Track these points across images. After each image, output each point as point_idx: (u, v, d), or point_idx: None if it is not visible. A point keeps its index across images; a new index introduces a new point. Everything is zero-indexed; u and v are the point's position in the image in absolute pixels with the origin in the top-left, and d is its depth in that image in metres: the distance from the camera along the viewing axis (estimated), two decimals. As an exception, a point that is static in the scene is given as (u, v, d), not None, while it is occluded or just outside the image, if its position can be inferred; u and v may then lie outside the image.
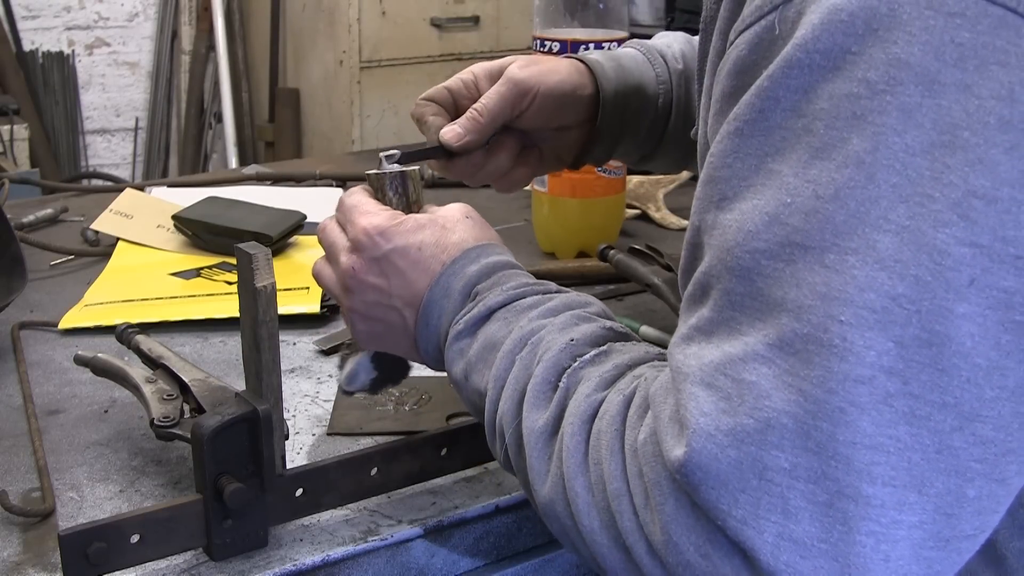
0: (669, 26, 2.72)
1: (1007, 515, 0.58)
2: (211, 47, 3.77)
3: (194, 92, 3.83)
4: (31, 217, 1.46)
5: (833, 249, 0.54)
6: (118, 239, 1.38)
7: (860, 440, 0.53)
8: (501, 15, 3.55)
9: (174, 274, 1.29)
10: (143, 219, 1.42)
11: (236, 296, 0.87)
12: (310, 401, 1.01)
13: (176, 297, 1.23)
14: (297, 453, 0.92)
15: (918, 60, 0.54)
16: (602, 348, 0.71)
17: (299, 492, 0.80)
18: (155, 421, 0.83)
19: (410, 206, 0.87)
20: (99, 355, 0.95)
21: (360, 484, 0.83)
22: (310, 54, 3.55)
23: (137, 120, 3.88)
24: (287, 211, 1.40)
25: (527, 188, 1.54)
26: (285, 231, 1.35)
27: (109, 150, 3.86)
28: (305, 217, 1.39)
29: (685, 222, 1.45)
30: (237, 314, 0.78)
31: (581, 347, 0.71)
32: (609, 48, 1.18)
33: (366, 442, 0.94)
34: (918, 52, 0.54)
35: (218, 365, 1.08)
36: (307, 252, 1.36)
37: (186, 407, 0.86)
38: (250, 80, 3.79)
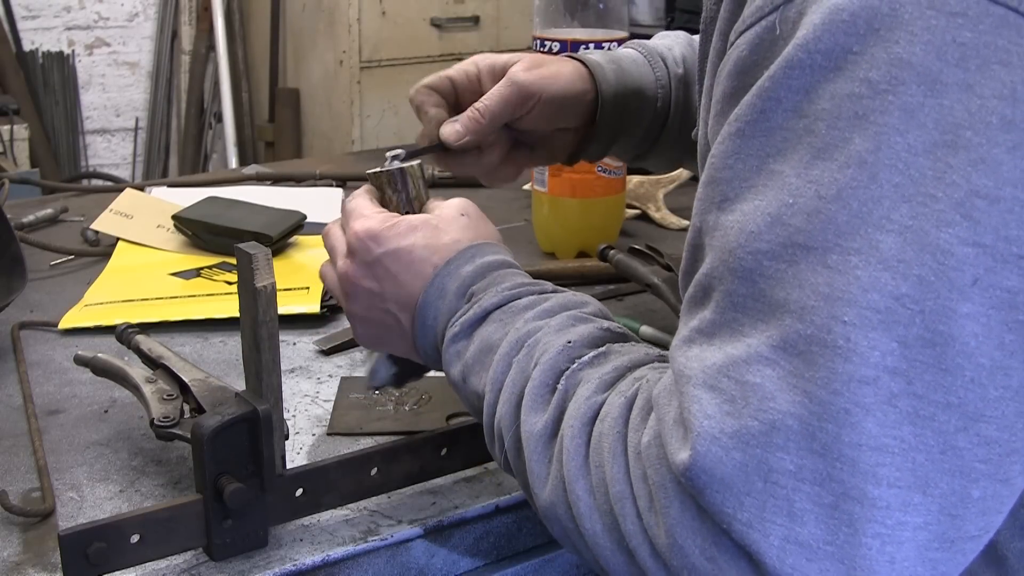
0: (669, 26, 2.72)
1: (1008, 516, 0.58)
2: (211, 47, 3.77)
3: (194, 92, 3.83)
4: (31, 217, 1.46)
5: (836, 249, 0.54)
6: (118, 239, 1.38)
7: (865, 441, 0.53)
8: (501, 15, 3.55)
9: (174, 274, 1.29)
10: (143, 219, 1.42)
11: (236, 296, 0.87)
12: (310, 401, 1.01)
13: (176, 297, 1.23)
14: (297, 453, 0.92)
15: (920, 60, 0.53)
16: (600, 350, 0.71)
17: (299, 492, 0.80)
18: (155, 421, 0.83)
19: (411, 203, 0.87)
20: (99, 355, 0.95)
21: (360, 484, 0.83)
22: (310, 54, 3.55)
23: (137, 120, 3.87)
24: (287, 211, 1.40)
25: (527, 188, 1.54)
26: (285, 231, 1.35)
27: (109, 150, 3.86)
28: (305, 217, 1.39)
29: (685, 222, 1.45)
30: (237, 314, 0.78)
31: (579, 349, 0.71)
32: (609, 48, 1.18)
33: (366, 442, 0.93)
34: (920, 52, 0.54)
35: (218, 365, 1.08)
36: (307, 252, 1.36)
37: (186, 407, 0.85)
38: (250, 80, 3.79)
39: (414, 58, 3.41)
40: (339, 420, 0.97)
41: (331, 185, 1.65)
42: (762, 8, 0.60)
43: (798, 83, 0.56)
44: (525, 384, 0.71)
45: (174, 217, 1.37)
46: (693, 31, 0.99)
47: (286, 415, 0.89)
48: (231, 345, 1.12)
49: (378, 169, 0.88)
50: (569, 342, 0.71)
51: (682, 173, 1.51)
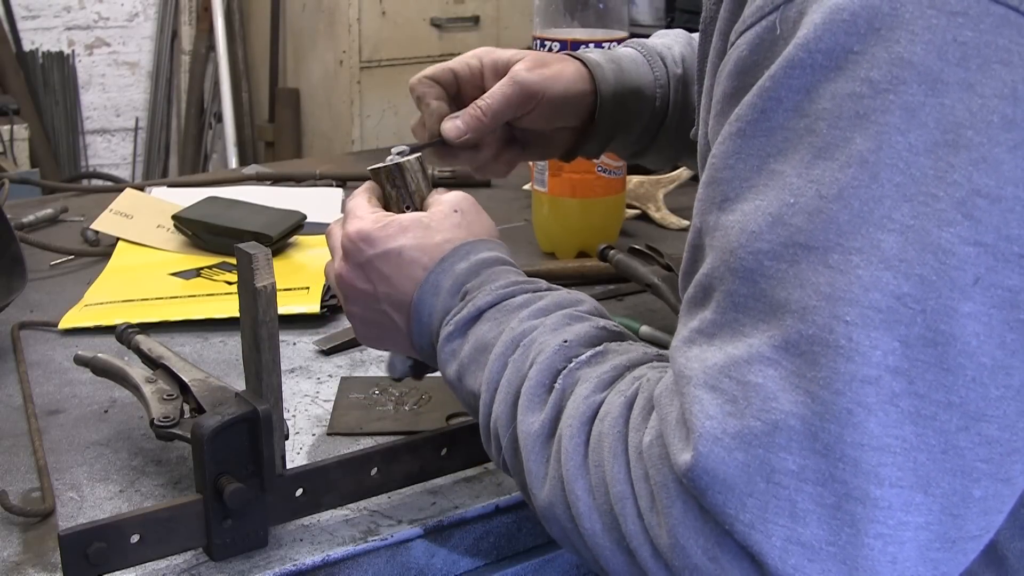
0: (669, 26, 2.72)
1: (1009, 516, 0.58)
2: (211, 47, 3.77)
3: (194, 92, 3.83)
4: (31, 217, 1.46)
5: (837, 249, 0.54)
6: (118, 239, 1.38)
7: (867, 441, 0.53)
8: (501, 15, 3.55)
9: (174, 274, 1.29)
10: (143, 219, 1.42)
11: (236, 296, 0.87)
12: (310, 401, 1.01)
13: (176, 297, 1.23)
14: (297, 453, 0.92)
15: (921, 59, 0.53)
16: (598, 349, 0.71)
17: (299, 492, 0.80)
18: (155, 421, 0.83)
19: (412, 197, 0.87)
20: (99, 355, 0.95)
21: (360, 484, 0.83)
22: (310, 54, 3.55)
23: (137, 120, 3.88)
24: (287, 211, 1.40)
25: (527, 188, 1.54)
26: (285, 231, 1.35)
27: (109, 150, 3.86)
28: (305, 217, 1.39)
29: (685, 222, 1.45)
30: (237, 314, 0.78)
31: (576, 348, 0.71)
32: (609, 48, 1.18)
33: (366, 442, 0.93)
34: (921, 51, 0.53)
35: (218, 365, 1.08)
36: (307, 252, 1.36)
37: (186, 407, 0.85)
38: (250, 80, 3.79)
39: (414, 58, 3.41)
40: (339, 420, 0.97)
41: (331, 185, 1.65)
42: (762, 8, 0.59)
43: (799, 83, 0.56)
44: (521, 383, 0.71)
45: (174, 217, 1.37)
46: (693, 30, 0.99)
47: (286, 415, 0.89)
48: (231, 345, 1.12)
49: (376, 166, 0.88)
50: (565, 341, 0.71)
51: (682, 173, 1.51)
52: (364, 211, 0.85)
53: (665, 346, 0.67)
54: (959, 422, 0.54)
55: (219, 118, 3.76)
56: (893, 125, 0.54)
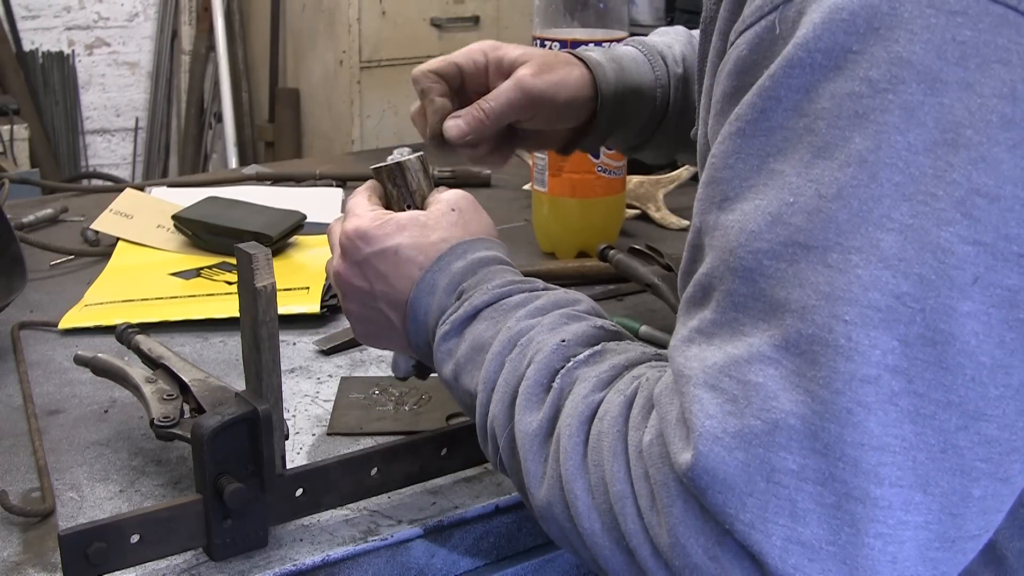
0: (669, 25, 2.71)
1: (1007, 515, 0.58)
2: (211, 47, 3.77)
3: (194, 92, 3.83)
4: (31, 217, 1.46)
5: (836, 248, 0.54)
6: (118, 239, 1.38)
7: (867, 441, 0.53)
8: (501, 15, 3.55)
9: (174, 274, 1.29)
10: (143, 219, 1.42)
11: (236, 296, 0.87)
12: (310, 401, 1.01)
13: (176, 297, 1.23)
14: (297, 453, 0.92)
15: (920, 58, 0.53)
16: (596, 348, 0.71)
17: (299, 492, 0.80)
18: (155, 421, 0.83)
19: (412, 196, 0.87)
20: (99, 355, 0.95)
21: (360, 484, 0.83)
22: (310, 54, 3.55)
23: (137, 120, 3.88)
24: (287, 211, 1.40)
25: (527, 188, 1.54)
26: (285, 231, 1.35)
27: (109, 150, 3.86)
28: (305, 217, 1.39)
29: (685, 222, 1.45)
30: (237, 314, 0.78)
31: (573, 347, 0.71)
32: (609, 46, 1.18)
33: (366, 442, 0.93)
34: (920, 50, 0.53)
35: (218, 365, 1.08)
36: (307, 252, 1.36)
37: (186, 407, 0.85)
38: (250, 80, 3.79)
39: (414, 58, 3.41)
40: (339, 420, 0.97)
41: (331, 185, 1.65)
42: (762, 7, 0.59)
43: (798, 82, 0.56)
44: (519, 383, 0.71)
45: (174, 217, 1.37)
46: (693, 27, 0.99)
47: (286, 415, 0.89)
48: (231, 345, 1.12)
49: (378, 165, 0.88)
50: (563, 340, 0.71)
51: (682, 173, 1.51)
52: (363, 209, 0.85)
53: (665, 346, 0.67)
54: (958, 421, 0.54)
55: (219, 118, 3.76)
56: (892, 124, 0.54)
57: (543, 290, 0.78)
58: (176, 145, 3.92)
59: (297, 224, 1.37)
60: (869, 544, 0.54)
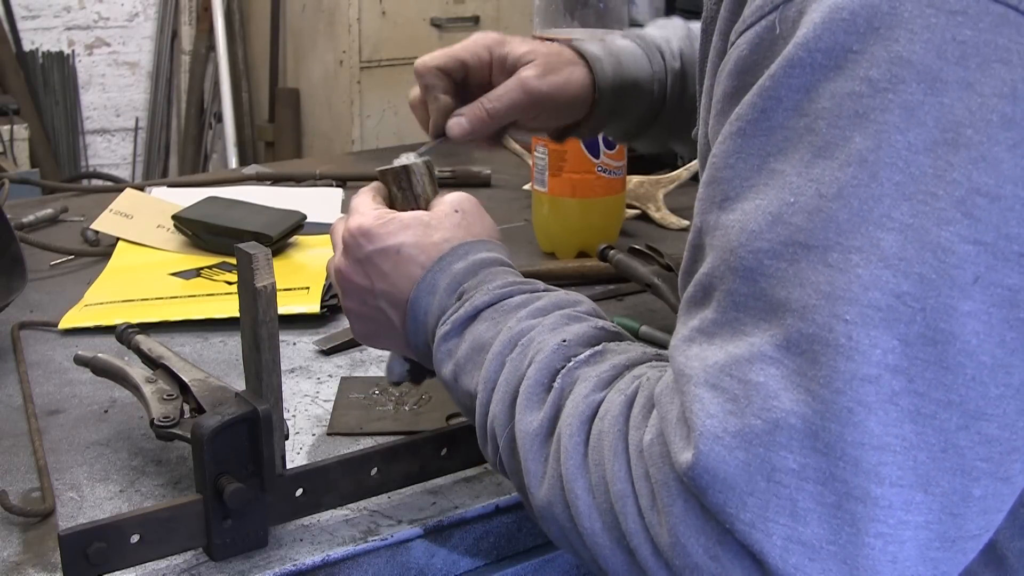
0: (669, 24, 2.71)
1: (1008, 515, 0.58)
2: (211, 47, 3.77)
3: (194, 92, 3.83)
4: (31, 217, 1.46)
5: (837, 248, 0.54)
6: (118, 239, 1.38)
7: (868, 440, 0.53)
8: (501, 15, 3.55)
9: (174, 274, 1.29)
10: (143, 219, 1.42)
11: (236, 296, 0.87)
12: (310, 401, 1.01)
13: (176, 297, 1.23)
14: (297, 453, 0.92)
15: (920, 58, 0.53)
16: (597, 348, 0.71)
17: (299, 492, 0.80)
18: (155, 421, 0.83)
19: (417, 200, 0.87)
20: (99, 355, 0.95)
21: (360, 484, 0.83)
22: (310, 54, 3.55)
23: (137, 120, 3.87)
24: (287, 211, 1.40)
25: (527, 188, 1.54)
26: (285, 231, 1.35)
27: (109, 150, 3.86)
28: (305, 217, 1.38)
29: (685, 222, 1.45)
30: (237, 314, 0.78)
31: (574, 348, 0.71)
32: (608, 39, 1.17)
33: (366, 442, 0.93)
34: (920, 50, 0.54)
35: (218, 365, 1.08)
36: (307, 252, 1.36)
37: (186, 407, 0.85)
38: (250, 80, 3.79)
39: (414, 58, 3.36)
40: (339, 420, 0.97)
41: (331, 185, 1.65)
42: (762, 7, 0.59)
43: (799, 82, 0.56)
44: (519, 383, 0.71)
45: (174, 217, 1.37)
46: (692, 16, 0.99)
47: (286, 415, 0.89)
48: (231, 345, 1.12)
49: (384, 167, 0.88)
50: (564, 340, 0.71)
51: (682, 173, 1.51)
52: (367, 208, 0.85)
53: (665, 346, 0.67)
54: (959, 421, 0.54)
55: (219, 118, 3.76)
56: (892, 124, 0.54)
57: (544, 291, 0.78)
58: (176, 145, 3.92)
59: (297, 224, 1.37)
60: (869, 544, 0.54)
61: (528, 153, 1.51)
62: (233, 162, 3.67)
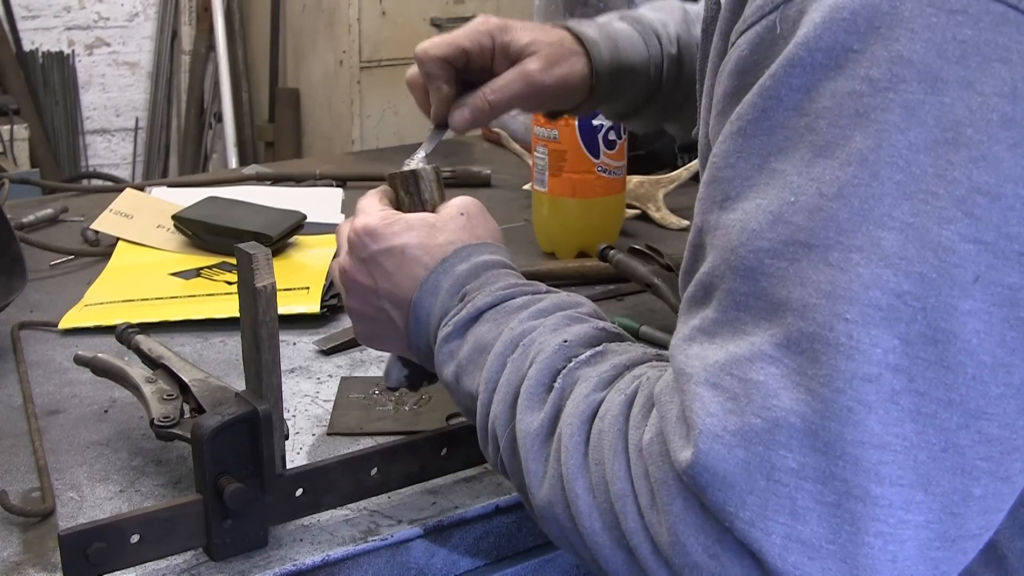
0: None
1: (1008, 515, 0.58)
2: (211, 47, 3.77)
3: (194, 92, 3.83)
4: (31, 217, 1.46)
5: (837, 247, 0.54)
6: (118, 239, 1.38)
7: (868, 440, 0.53)
8: (501, 15, 3.54)
9: (174, 274, 1.29)
10: (143, 219, 1.42)
11: (236, 296, 0.87)
12: (310, 401, 1.01)
13: (176, 297, 1.23)
14: (297, 453, 0.92)
15: (920, 57, 0.53)
16: (597, 349, 0.71)
17: (299, 492, 0.80)
18: (155, 421, 0.83)
19: (424, 206, 0.87)
20: (99, 355, 0.95)
21: (360, 484, 0.83)
22: (310, 54, 3.55)
23: (137, 120, 3.87)
24: (287, 211, 1.40)
25: (527, 188, 1.54)
26: (285, 231, 1.35)
27: (109, 150, 3.86)
28: (305, 217, 1.38)
29: (685, 222, 1.45)
30: (237, 314, 0.78)
31: (575, 348, 0.71)
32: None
33: (366, 442, 0.93)
34: (920, 49, 0.54)
35: (218, 365, 1.08)
36: (307, 252, 1.36)
37: (186, 407, 0.85)
38: (250, 80, 3.79)
39: (414, 58, 3.41)
40: (339, 420, 0.97)
41: (331, 185, 1.65)
42: (763, 7, 0.59)
43: (799, 81, 0.56)
44: (521, 383, 0.71)
45: (174, 217, 1.37)
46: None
47: (286, 415, 0.89)
48: (231, 345, 1.12)
49: (394, 171, 0.89)
50: (565, 341, 0.71)
51: (682, 173, 1.51)
52: (373, 208, 0.86)
53: (665, 346, 0.67)
54: (959, 420, 0.54)
55: (219, 118, 3.76)
56: (893, 123, 0.54)
57: (546, 293, 0.78)
58: (176, 145, 3.92)
59: (297, 224, 1.37)
60: (869, 543, 0.54)
61: (528, 153, 1.51)
62: (233, 162, 3.67)
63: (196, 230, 1.36)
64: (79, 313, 1.18)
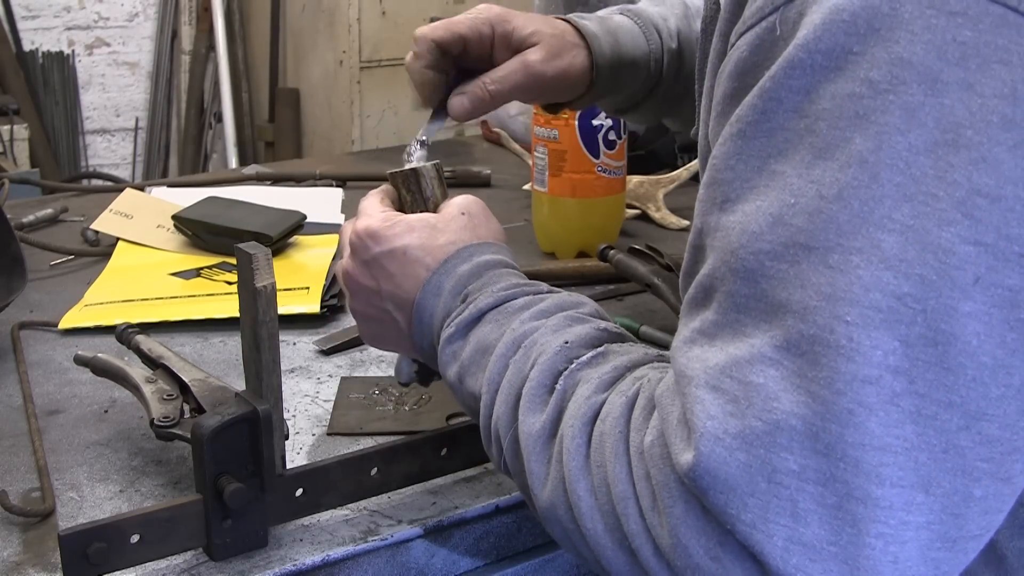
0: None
1: (1008, 515, 0.58)
2: (211, 47, 3.77)
3: (194, 92, 3.83)
4: (31, 217, 1.46)
5: (837, 249, 0.54)
6: (118, 239, 1.38)
7: (868, 441, 0.53)
8: (501, 14, 3.54)
9: (174, 274, 1.29)
10: (143, 219, 1.42)
11: (236, 296, 0.87)
12: (310, 401, 1.01)
13: (176, 297, 1.23)
14: (297, 453, 0.92)
15: (920, 59, 0.54)
16: (599, 350, 0.71)
17: (299, 492, 0.80)
18: (155, 421, 0.83)
19: (426, 203, 0.87)
20: (99, 355, 0.95)
21: (360, 484, 0.83)
22: (310, 54, 3.55)
23: (137, 120, 3.87)
24: (287, 211, 1.40)
25: (527, 188, 1.54)
26: (285, 231, 1.35)
27: (109, 150, 3.86)
28: (305, 217, 1.38)
29: (685, 222, 1.45)
30: (237, 314, 0.78)
31: (577, 349, 0.71)
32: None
33: (366, 442, 0.93)
34: (920, 51, 0.54)
35: (218, 365, 1.08)
36: (307, 252, 1.36)
37: (186, 407, 0.85)
38: (250, 80, 3.79)
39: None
40: (339, 420, 0.97)
41: (331, 185, 1.65)
42: (762, 9, 0.59)
43: (799, 83, 0.56)
44: (522, 384, 0.71)
45: (174, 217, 1.37)
46: None
47: (286, 415, 0.89)
48: (231, 345, 1.12)
49: (394, 170, 0.89)
50: (567, 342, 0.71)
51: (682, 173, 1.51)
52: (374, 209, 0.85)
53: (665, 346, 0.67)
54: (960, 421, 0.54)
55: (219, 118, 3.76)
56: (893, 125, 0.54)
57: (547, 293, 0.78)
58: (176, 145, 3.92)
59: (297, 224, 1.37)
60: (871, 544, 0.54)
61: (528, 153, 1.51)
62: (233, 162, 3.67)
63: (196, 230, 1.36)
64: (79, 313, 1.18)
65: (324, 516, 0.84)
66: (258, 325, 0.75)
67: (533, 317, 0.74)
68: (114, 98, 3.83)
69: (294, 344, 1.13)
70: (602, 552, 0.63)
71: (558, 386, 0.69)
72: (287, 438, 0.83)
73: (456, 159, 1.75)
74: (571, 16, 1.03)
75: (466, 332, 0.77)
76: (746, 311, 0.57)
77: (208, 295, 1.23)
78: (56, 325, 1.15)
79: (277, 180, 1.68)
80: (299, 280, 1.25)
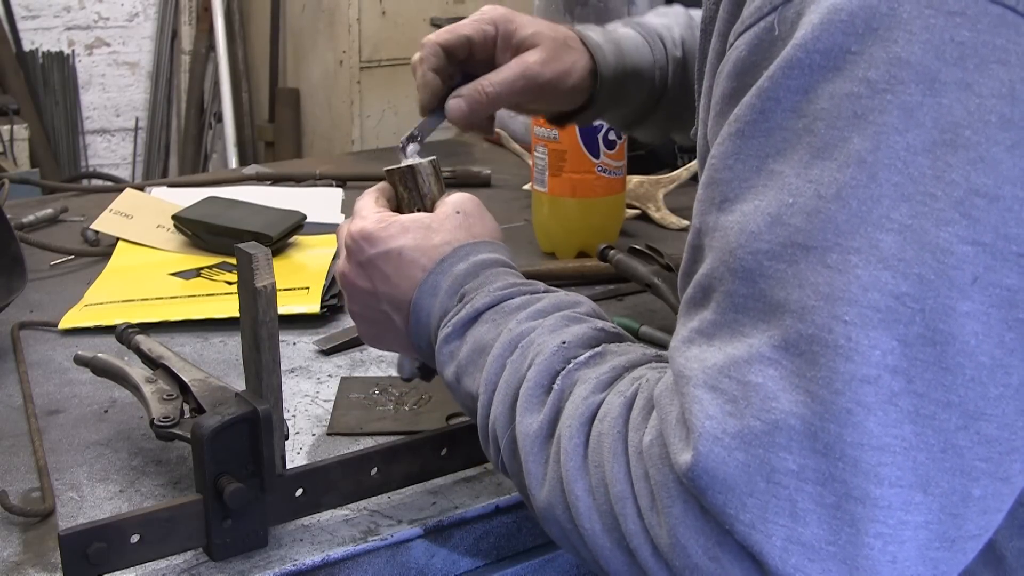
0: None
1: (1007, 515, 0.58)
2: (211, 47, 3.77)
3: (194, 92, 3.83)
4: (31, 217, 1.46)
5: (835, 249, 0.54)
6: (118, 239, 1.38)
7: (867, 441, 0.53)
8: (502, 15, 3.54)
9: (174, 274, 1.29)
10: (143, 219, 1.42)
11: (236, 296, 0.87)
12: (310, 401, 1.01)
13: (176, 297, 1.23)
14: (297, 453, 0.92)
15: (919, 59, 0.54)
16: (596, 350, 0.71)
17: (299, 492, 0.80)
18: (155, 421, 0.83)
19: (423, 200, 0.87)
20: (99, 355, 0.95)
21: (360, 484, 0.83)
22: (310, 54, 3.55)
23: (137, 120, 3.87)
24: (287, 211, 1.40)
25: (527, 188, 1.54)
26: (285, 231, 1.35)
27: (109, 150, 3.86)
28: (305, 217, 1.39)
29: (685, 222, 1.45)
30: (237, 314, 0.78)
31: (574, 349, 0.71)
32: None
33: (366, 442, 0.93)
34: (919, 51, 0.54)
35: (218, 365, 1.08)
36: (307, 252, 1.36)
37: (186, 407, 0.86)
38: (250, 80, 3.79)
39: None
40: (339, 420, 0.97)
41: (331, 185, 1.65)
42: (761, 9, 0.60)
43: (797, 83, 0.56)
44: (520, 385, 0.71)
45: (174, 217, 1.37)
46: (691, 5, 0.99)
47: (286, 415, 0.89)
48: (231, 345, 1.12)
49: (390, 167, 0.88)
50: (564, 342, 0.71)
51: (682, 173, 1.51)
52: (369, 211, 0.85)
53: (665, 346, 0.67)
54: (958, 421, 0.54)
55: (219, 118, 3.76)
56: (891, 125, 0.54)
57: (544, 292, 0.78)
58: (176, 145, 3.92)
59: (297, 224, 1.37)
60: (869, 544, 0.54)
61: (528, 153, 1.51)
62: (233, 162, 3.67)
63: (196, 230, 1.36)
64: (79, 313, 1.18)
65: (324, 516, 0.84)
66: (258, 325, 0.76)
67: (530, 317, 0.74)
68: (114, 98, 3.83)
69: (294, 344, 1.13)
70: (600, 552, 0.63)
71: (555, 386, 0.69)
72: (287, 438, 0.83)
73: (456, 159, 1.75)
74: (575, 27, 1.03)
75: (463, 332, 0.77)
76: (744, 311, 0.57)
77: (208, 295, 1.23)
78: (56, 325, 1.16)
79: (277, 180, 1.68)
80: (299, 280, 1.25)
